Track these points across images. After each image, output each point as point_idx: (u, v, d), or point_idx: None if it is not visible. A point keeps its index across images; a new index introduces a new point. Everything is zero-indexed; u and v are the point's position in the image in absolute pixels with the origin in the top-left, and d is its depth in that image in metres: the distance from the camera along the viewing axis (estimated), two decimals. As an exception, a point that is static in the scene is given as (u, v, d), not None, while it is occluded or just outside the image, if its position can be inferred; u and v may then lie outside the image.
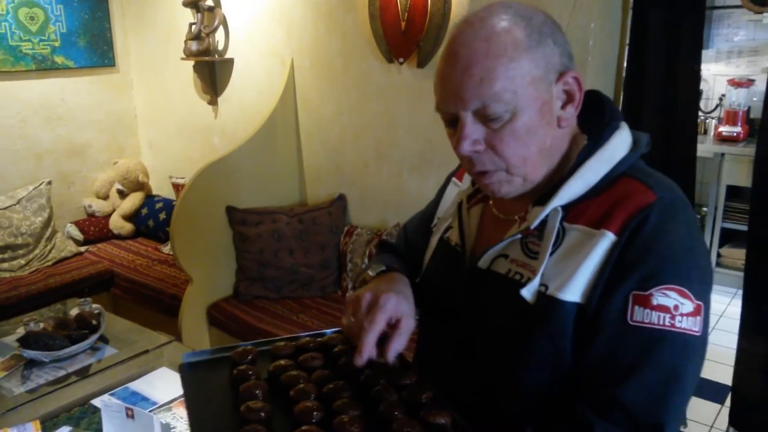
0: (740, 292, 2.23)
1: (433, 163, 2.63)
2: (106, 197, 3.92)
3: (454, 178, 1.09)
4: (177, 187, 3.65)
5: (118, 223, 3.80)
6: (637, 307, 0.73)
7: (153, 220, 3.76)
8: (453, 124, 0.82)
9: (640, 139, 0.85)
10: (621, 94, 2.24)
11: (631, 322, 0.73)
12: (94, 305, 2.25)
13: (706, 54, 4.04)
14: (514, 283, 0.82)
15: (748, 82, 3.98)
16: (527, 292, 0.79)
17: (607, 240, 0.76)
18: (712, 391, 2.80)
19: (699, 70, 2.12)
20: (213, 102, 3.49)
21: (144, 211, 3.81)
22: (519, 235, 0.84)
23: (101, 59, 3.80)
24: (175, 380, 1.86)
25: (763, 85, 2.86)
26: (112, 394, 1.74)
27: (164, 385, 1.82)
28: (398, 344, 0.82)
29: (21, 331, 2.03)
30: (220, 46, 3.35)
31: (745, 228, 2.30)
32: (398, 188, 2.81)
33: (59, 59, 3.60)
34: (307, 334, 0.96)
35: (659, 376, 0.73)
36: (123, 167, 3.81)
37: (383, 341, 0.81)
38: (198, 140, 3.69)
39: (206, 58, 3.30)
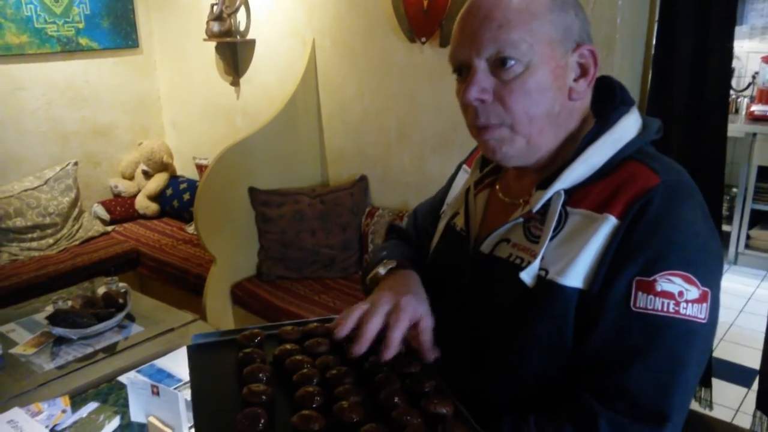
0: (770, 274, 2.18)
1: (455, 144, 2.60)
2: (131, 178, 3.97)
3: (464, 166, 1.08)
4: (200, 168, 3.69)
5: (143, 203, 3.86)
6: (640, 293, 0.71)
7: (177, 200, 3.81)
8: (464, 75, 0.81)
9: (650, 124, 0.82)
10: (649, 73, 2.18)
11: (634, 309, 0.71)
12: (121, 284, 2.30)
13: (739, 30, 3.91)
14: (514, 267, 0.80)
15: (784, 60, 3.86)
16: (526, 276, 0.77)
17: (609, 224, 0.73)
18: (738, 375, 2.76)
19: (731, 46, 2.05)
20: (235, 83, 3.50)
21: (169, 191, 3.86)
22: (521, 219, 0.83)
23: (125, 41, 3.82)
24: (200, 358, 1.90)
25: (799, 62, 2.76)
26: (138, 371, 1.78)
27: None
28: (427, 342, 0.82)
29: (50, 309, 2.08)
30: (242, 27, 3.34)
31: (776, 210, 2.24)
32: (420, 169, 2.79)
33: (83, 41, 3.63)
34: (316, 319, 0.95)
35: (663, 363, 0.71)
36: (147, 148, 3.85)
37: (379, 343, 0.80)
38: (220, 121, 3.71)
39: (228, 39, 3.30)
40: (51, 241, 3.35)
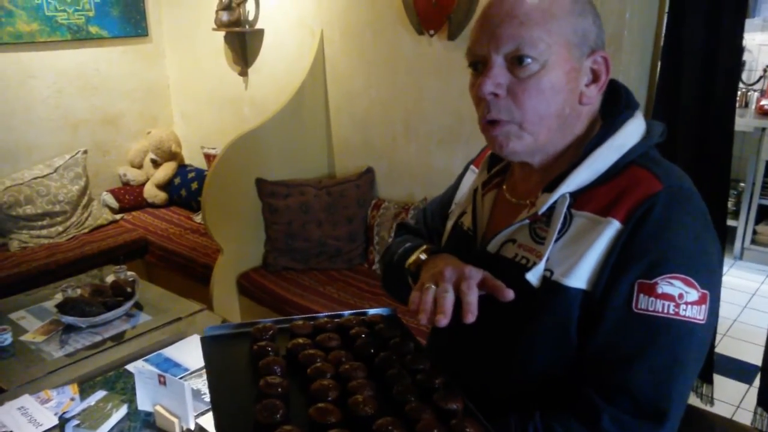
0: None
1: (462, 137, 2.61)
2: (140, 166, 4.00)
3: (472, 166, 1.10)
4: (208, 158, 3.71)
5: (152, 192, 3.89)
6: (642, 296, 0.74)
7: (185, 189, 3.83)
8: (479, 69, 0.82)
9: (654, 128, 0.84)
10: (658, 67, 2.17)
11: (635, 310, 0.74)
12: (129, 273, 2.33)
13: (750, 23, 3.86)
14: (520, 267, 0.83)
15: (796, 54, 3.82)
16: (532, 276, 0.80)
17: (612, 228, 0.76)
18: (740, 371, 2.77)
19: (741, 39, 2.04)
20: (243, 73, 3.51)
21: (177, 180, 3.88)
22: (527, 221, 0.85)
23: (134, 29, 3.83)
24: (206, 348, 1.93)
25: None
26: (146, 360, 1.81)
27: (196, 352, 1.88)
28: (499, 284, 0.80)
29: (59, 297, 2.12)
30: (251, 17, 3.34)
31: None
32: (426, 162, 2.80)
33: (93, 29, 3.64)
34: (325, 314, 0.98)
35: (663, 362, 0.74)
36: (156, 137, 3.88)
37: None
38: (228, 111, 3.72)
39: (237, 29, 3.30)
40: (60, 228, 3.38)
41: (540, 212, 0.83)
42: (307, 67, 3.00)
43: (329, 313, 0.98)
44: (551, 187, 0.82)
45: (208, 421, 1.49)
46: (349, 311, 0.99)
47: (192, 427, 1.46)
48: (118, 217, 3.69)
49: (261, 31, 3.33)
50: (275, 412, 0.70)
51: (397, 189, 2.95)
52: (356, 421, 0.71)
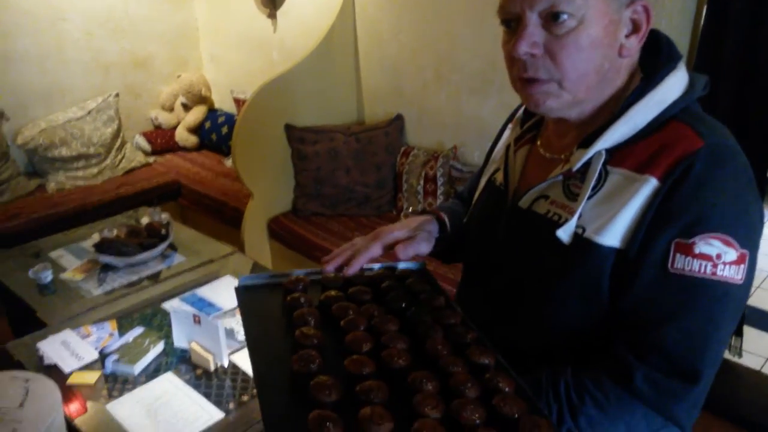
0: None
1: (494, 84, 2.55)
2: (171, 110, 4.02)
3: (510, 124, 1.06)
4: (238, 102, 3.71)
5: (183, 136, 3.92)
6: (678, 255, 0.72)
7: (216, 133, 3.86)
8: (513, 27, 0.79)
9: (697, 81, 0.80)
10: (701, 19, 2.06)
11: (671, 270, 0.73)
12: (163, 215, 2.38)
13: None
14: (552, 223, 0.81)
15: None
16: (563, 233, 0.78)
17: (649, 186, 0.74)
18: (769, 324, 2.74)
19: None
20: (272, 15, 3.45)
21: (207, 124, 3.90)
22: (561, 177, 0.83)
23: (163, -31, 3.78)
24: (237, 290, 1.98)
25: None
26: (181, 299, 1.87)
27: (228, 292, 1.94)
28: (400, 250, 0.89)
29: (96, 237, 2.18)
30: (280, -44, 3.26)
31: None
32: (457, 110, 2.75)
33: (122, -30, 3.61)
34: None
35: (698, 323, 0.73)
36: (186, 80, 3.88)
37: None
38: (257, 54, 3.69)
39: (266, -31, 3.23)
40: (95, 171, 3.45)
41: (574, 168, 0.80)
42: (336, 10, 2.94)
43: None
44: (587, 142, 0.80)
45: (240, 358, 1.55)
46: (379, 264, 1.00)
47: (226, 363, 1.52)
48: (150, 160, 3.75)
49: (290, -28, 3.25)
50: (311, 362, 0.72)
51: (426, 136, 2.92)
52: (390, 373, 0.73)
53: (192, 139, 3.93)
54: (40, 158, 3.31)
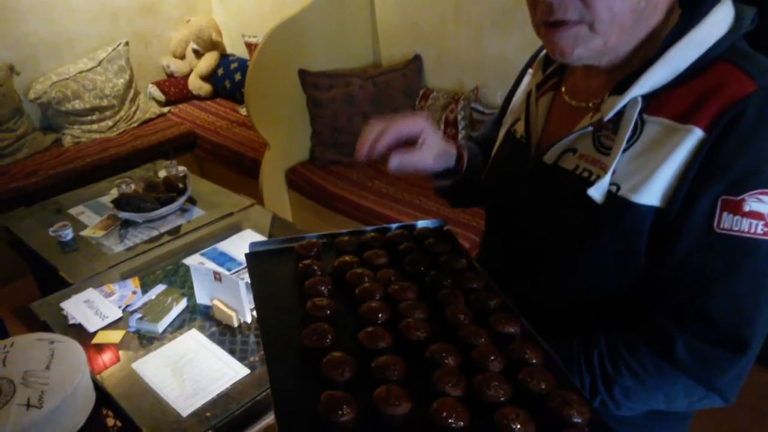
0: None
1: (517, 20, 2.41)
2: (182, 57, 3.93)
3: (530, 69, 0.96)
4: (250, 47, 3.59)
5: (196, 84, 3.85)
6: (725, 214, 0.65)
7: (229, 80, 3.77)
8: None
9: (744, 14, 0.70)
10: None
11: (717, 230, 0.65)
12: (180, 167, 2.35)
13: None
14: (581, 180, 0.73)
15: None
16: (595, 192, 0.70)
17: (693, 137, 0.65)
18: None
19: None
20: (281, -47, 3.30)
21: (220, 71, 3.81)
22: (590, 128, 0.74)
23: None
24: (258, 244, 1.96)
25: None
26: (202, 254, 1.85)
27: (248, 245, 1.92)
28: (405, 157, 0.83)
29: (114, 192, 2.16)
30: None
31: None
32: (478, 48, 2.62)
33: None
34: (372, 228, 0.93)
35: (747, 288, 0.66)
36: (196, 25, 3.76)
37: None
38: (268, -4, 3.55)
39: None
40: (110, 123, 3.41)
41: (606, 118, 0.71)
42: (349, -56, 2.78)
43: (376, 227, 0.93)
44: (620, 88, 0.71)
45: (263, 315, 1.54)
46: (396, 224, 0.95)
47: (249, 320, 1.51)
48: (165, 110, 3.69)
49: None
50: (324, 337, 0.68)
51: (446, 77, 2.80)
52: (407, 346, 0.68)
53: (206, 88, 3.85)
54: (54, 112, 3.27)
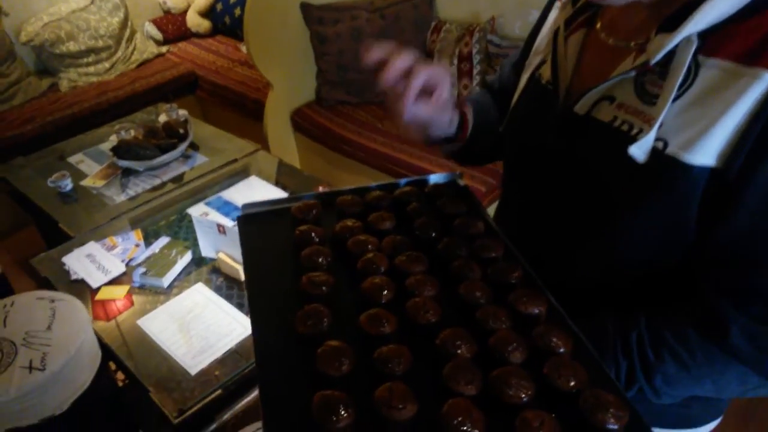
0: None
1: (536, -59, 2.22)
2: (179, -7, 3.74)
3: (557, 2, 0.82)
4: (249, -20, 3.40)
5: (195, 21, 3.68)
6: None
7: (229, 16, 3.60)
8: None
9: None
10: None
11: None
12: (181, 111, 2.24)
13: None
14: (620, 134, 0.62)
15: None
16: (638, 150, 0.60)
17: (762, 83, 0.54)
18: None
19: None
20: None
21: (219, 6, 3.63)
22: (633, 72, 0.62)
23: None
24: (264, 189, 1.88)
25: None
26: (206, 203, 1.78)
27: (253, 193, 1.85)
28: (423, 107, 0.72)
29: (114, 139, 2.07)
30: None
31: None
32: (493, -25, 2.44)
33: None
34: (377, 185, 0.83)
35: None
36: (191, -43, 3.56)
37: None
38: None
39: None
40: (107, 65, 3.28)
41: (653, 61, 0.60)
42: None
43: (380, 184, 0.83)
44: (671, 24, 0.58)
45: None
46: (405, 179, 0.84)
47: (256, 273, 1.45)
48: (164, 49, 3.54)
49: None
50: (320, 321, 0.60)
51: (459, 7, 2.62)
52: (415, 330, 0.60)
53: (205, 24, 3.68)
54: (48, 55, 3.13)
